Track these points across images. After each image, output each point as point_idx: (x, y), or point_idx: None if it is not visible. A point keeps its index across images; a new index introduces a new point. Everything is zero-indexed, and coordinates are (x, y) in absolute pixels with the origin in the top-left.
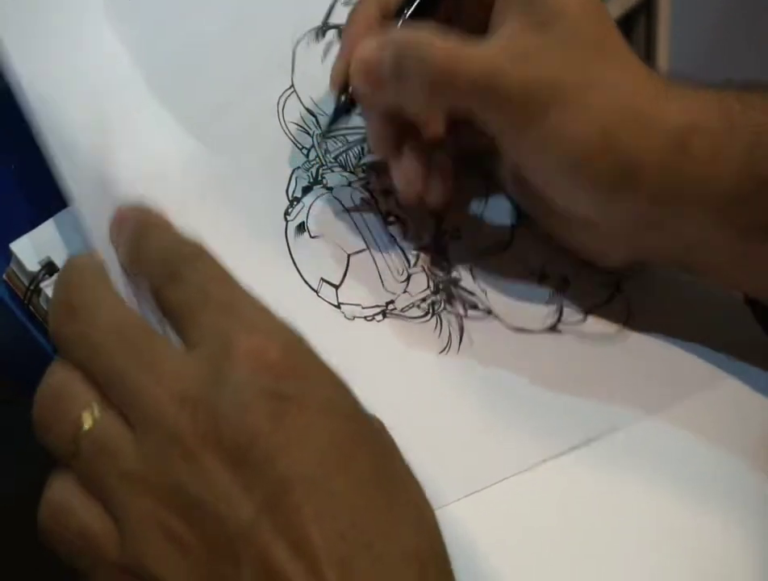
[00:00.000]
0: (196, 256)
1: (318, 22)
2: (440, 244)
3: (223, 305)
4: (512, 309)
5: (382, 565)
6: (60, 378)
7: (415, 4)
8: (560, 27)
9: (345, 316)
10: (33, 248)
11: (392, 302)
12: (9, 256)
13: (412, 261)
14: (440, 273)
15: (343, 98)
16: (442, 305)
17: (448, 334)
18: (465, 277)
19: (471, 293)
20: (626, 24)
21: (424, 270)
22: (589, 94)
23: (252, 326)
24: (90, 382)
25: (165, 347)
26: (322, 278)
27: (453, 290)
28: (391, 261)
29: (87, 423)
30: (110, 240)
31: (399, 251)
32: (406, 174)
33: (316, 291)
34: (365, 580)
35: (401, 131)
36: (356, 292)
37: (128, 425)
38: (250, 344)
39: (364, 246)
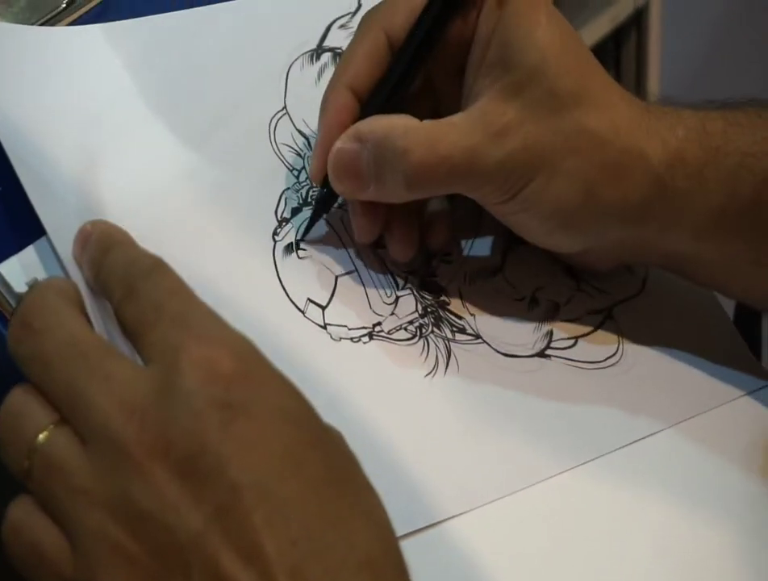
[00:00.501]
0: (152, 270)
1: (313, 44)
2: (429, 267)
3: (176, 318)
4: (501, 334)
5: (335, 572)
6: (18, 399)
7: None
8: (536, 89)
9: (332, 337)
10: (20, 269)
11: (379, 323)
12: None
13: (401, 284)
14: (429, 297)
15: (324, 191)
16: (430, 328)
17: (435, 357)
18: (453, 300)
19: (459, 317)
20: (617, 38)
21: (413, 293)
22: (569, 158)
23: (202, 336)
24: (46, 401)
25: (119, 362)
26: (309, 299)
27: (441, 313)
28: (379, 283)
29: (39, 441)
30: (74, 258)
31: (388, 273)
32: (398, 248)
33: (302, 312)
34: None
35: (387, 210)
36: (342, 313)
37: (81, 442)
38: (200, 353)
39: (352, 268)
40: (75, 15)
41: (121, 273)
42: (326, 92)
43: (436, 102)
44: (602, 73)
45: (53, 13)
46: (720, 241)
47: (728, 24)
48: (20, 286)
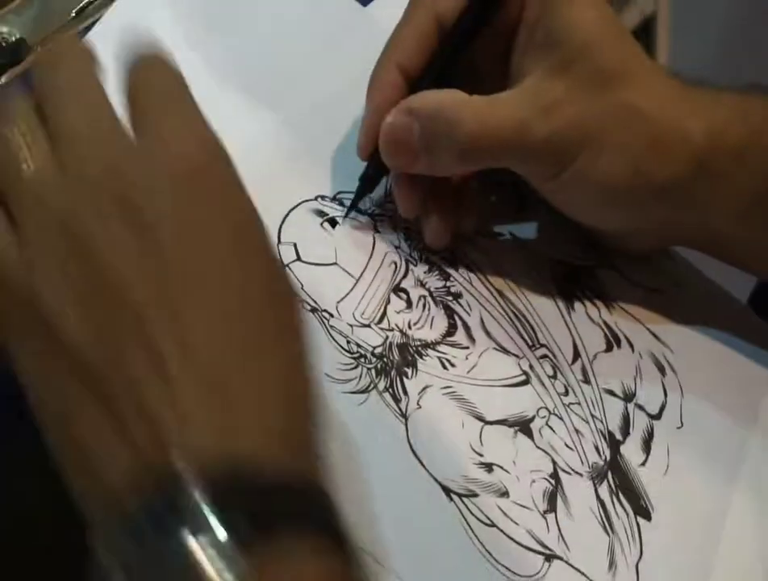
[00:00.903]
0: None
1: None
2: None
3: (176, 111)
4: None
5: (256, 384)
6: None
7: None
8: (582, 66)
9: None
10: None
11: None
12: None
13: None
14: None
15: (371, 169)
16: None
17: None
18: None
19: None
20: None
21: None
22: (616, 132)
23: (190, 133)
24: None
25: (118, 123)
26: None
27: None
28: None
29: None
30: None
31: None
32: (435, 233)
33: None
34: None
35: (429, 187)
36: None
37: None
38: (183, 148)
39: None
40: (85, 23)
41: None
42: (374, 69)
43: (479, 83)
44: (643, 53)
45: (62, 23)
46: (760, 224)
47: (734, 33)
48: None
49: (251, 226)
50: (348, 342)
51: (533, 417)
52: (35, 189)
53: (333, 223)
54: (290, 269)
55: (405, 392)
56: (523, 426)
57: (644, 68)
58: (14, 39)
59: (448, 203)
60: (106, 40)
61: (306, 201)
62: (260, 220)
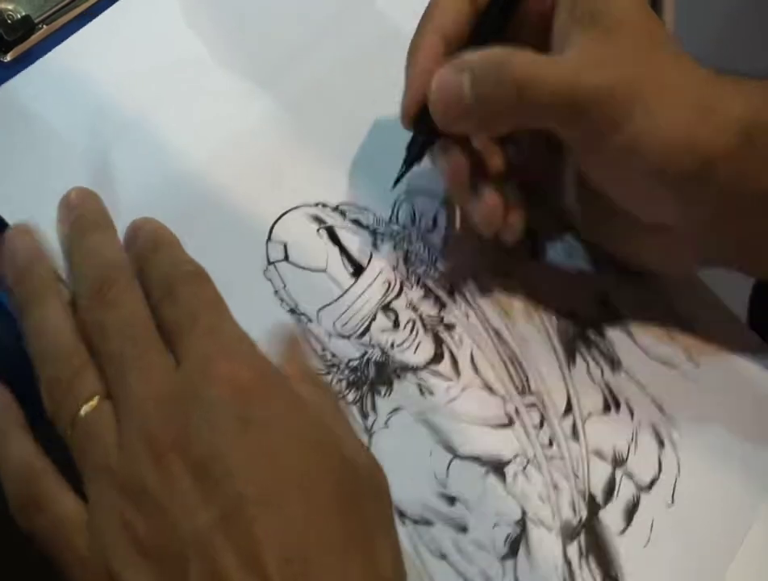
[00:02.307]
0: (193, 278)
1: None
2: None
3: (209, 329)
4: None
5: None
6: (74, 359)
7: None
8: (626, 33)
9: None
10: None
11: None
12: None
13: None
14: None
15: (419, 136)
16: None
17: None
18: None
19: None
20: None
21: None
22: (666, 94)
23: (230, 351)
24: (97, 368)
25: (160, 356)
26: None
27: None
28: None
29: (84, 410)
30: (124, 242)
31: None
32: (487, 210)
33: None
34: None
35: (476, 165)
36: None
37: (117, 420)
38: (226, 367)
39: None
40: (91, 1)
41: (164, 272)
42: (414, 37)
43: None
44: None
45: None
46: None
47: (742, 12)
48: None
49: (318, 432)
50: (324, 349)
51: (509, 461)
52: (102, 475)
53: (330, 232)
54: (274, 266)
55: (374, 409)
56: (496, 468)
57: (678, 49)
58: (19, 16)
59: (496, 184)
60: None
61: (306, 205)
62: (325, 421)
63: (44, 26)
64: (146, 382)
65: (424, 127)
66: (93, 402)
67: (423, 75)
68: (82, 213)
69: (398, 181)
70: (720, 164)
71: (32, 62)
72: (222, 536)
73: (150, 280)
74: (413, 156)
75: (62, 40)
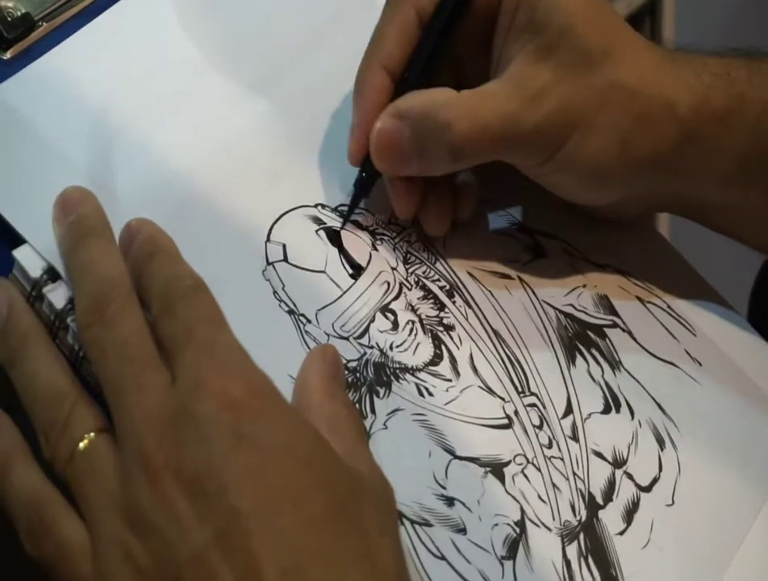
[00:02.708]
0: (191, 292)
1: None
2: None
3: (204, 345)
4: None
5: None
6: (68, 404)
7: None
8: (566, 49)
9: None
10: (35, 254)
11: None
12: (11, 263)
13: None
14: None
15: (364, 174)
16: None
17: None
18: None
19: None
20: (631, 24)
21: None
22: (602, 113)
23: (224, 368)
24: (89, 403)
25: (154, 375)
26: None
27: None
28: None
29: (82, 446)
30: (120, 245)
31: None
32: (433, 223)
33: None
34: None
35: (425, 185)
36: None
37: (115, 448)
38: (219, 384)
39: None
40: None
41: (162, 286)
42: (359, 73)
43: (461, 71)
44: (626, 27)
45: None
46: (745, 188)
47: (741, 11)
48: (35, 271)
49: (312, 446)
50: None
51: (508, 462)
52: (103, 502)
53: (329, 233)
54: (273, 267)
55: (373, 410)
56: (495, 468)
57: (628, 44)
58: (19, 13)
59: (445, 193)
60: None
61: (306, 206)
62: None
63: (44, 23)
64: (141, 403)
65: (371, 165)
66: (90, 438)
67: (368, 116)
68: (79, 216)
69: (347, 219)
70: (661, 158)
71: (32, 59)
72: (218, 552)
73: (148, 293)
74: (359, 194)
75: (62, 38)
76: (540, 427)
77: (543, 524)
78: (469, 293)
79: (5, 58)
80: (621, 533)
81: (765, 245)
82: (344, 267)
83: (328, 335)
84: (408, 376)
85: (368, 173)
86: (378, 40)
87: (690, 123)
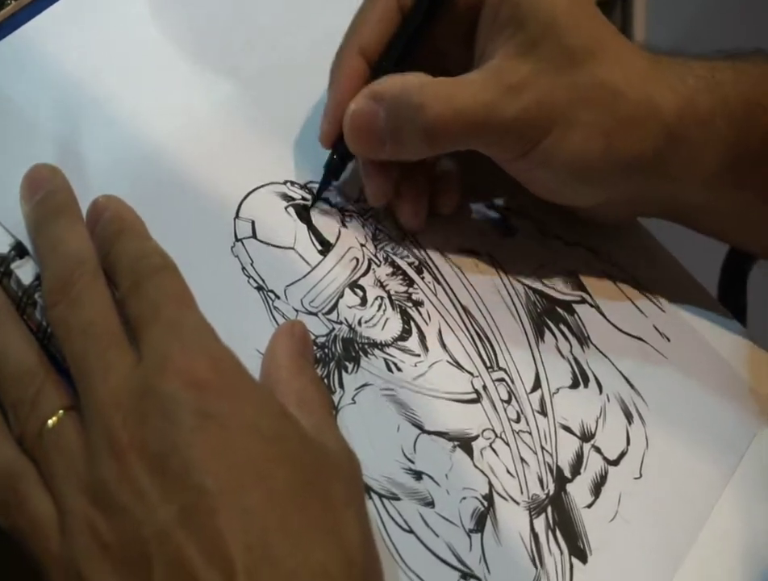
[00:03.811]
0: (158, 270)
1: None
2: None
3: (169, 323)
4: None
5: (286, 579)
6: (33, 376)
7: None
8: (549, 45)
9: None
10: (3, 230)
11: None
12: None
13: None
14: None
15: (335, 157)
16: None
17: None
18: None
19: None
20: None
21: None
22: (584, 111)
23: (190, 347)
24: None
25: (120, 353)
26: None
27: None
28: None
29: (49, 424)
30: (87, 223)
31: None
32: (409, 215)
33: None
34: None
35: (400, 172)
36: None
37: (83, 426)
38: (183, 362)
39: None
40: None
41: (129, 264)
42: (336, 57)
43: (444, 66)
44: (611, 27)
45: None
46: (730, 190)
47: (713, 3)
48: (2, 247)
49: (278, 423)
50: None
51: (477, 436)
52: (71, 481)
53: (298, 209)
54: (242, 243)
55: (341, 385)
56: (463, 443)
57: (612, 44)
58: None
59: (422, 184)
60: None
61: (274, 183)
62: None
63: (13, 1)
64: (107, 382)
65: (343, 148)
66: (58, 415)
67: (342, 98)
68: (47, 193)
69: (316, 199)
70: (645, 160)
71: (1, 37)
72: (183, 529)
73: (116, 271)
74: (329, 176)
75: (32, 15)
76: (509, 401)
77: (511, 497)
78: (438, 269)
79: None
80: (589, 506)
81: (756, 246)
82: (313, 243)
83: (297, 311)
84: (377, 351)
85: (339, 156)
86: (358, 26)
87: (675, 126)
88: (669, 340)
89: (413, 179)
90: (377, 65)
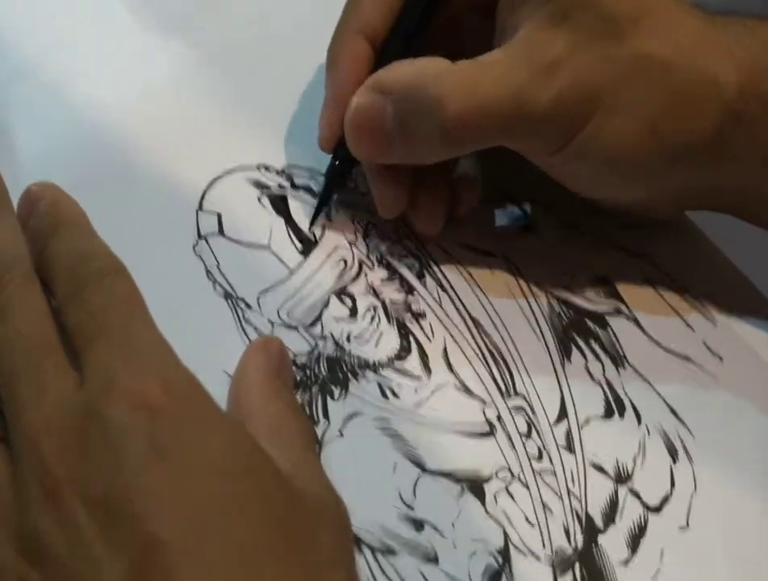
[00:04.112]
0: (104, 275)
1: None
2: None
3: (118, 338)
4: None
5: None
6: None
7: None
8: (586, 13)
9: None
10: None
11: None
12: None
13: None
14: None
15: (338, 162)
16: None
17: None
18: None
19: None
20: None
21: None
22: (628, 90)
23: (141, 366)
24: None
25: (56, 372)
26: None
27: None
28: None
29: None
30: (19, 216)
31: None
32: (426, 222)
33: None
34: None
35: (414, 176)
36: None
37: (11, 460)
38: (134, 385)
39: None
40: None
41: (68, 266)
42: (333, 42)
43: (461, 42)
44: None
45: None
46: None
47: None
48: None
49: (246, 457)
50: None
51: (489, 477)
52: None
53: (274, 200)
54: (206, 241)
55: (326, 415)
56: (473, 485)
57: (660, 8)
58: None
59: (440, 189)
60: None
61: (245, 169)
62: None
63: None
64: (40, 406)
65: (347, 151)
66: None
67: (343, 91)
68: None
69: (315, 218)
70: (700, 145)
71: None
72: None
73: (52, 275)
74: (332, 186)
75: None
76: (528, 435)
77: (531, 551)
78: (442, 273)
79: None
80: (625, 563)
81: None
82: (292, 241)
83: (272, 323)
84: (369, 373)
85: (342, 161)
86: (355, 3)
87: (737, 103)
88: (721, 359)
89: (429, 184)
90: (382, 48)
